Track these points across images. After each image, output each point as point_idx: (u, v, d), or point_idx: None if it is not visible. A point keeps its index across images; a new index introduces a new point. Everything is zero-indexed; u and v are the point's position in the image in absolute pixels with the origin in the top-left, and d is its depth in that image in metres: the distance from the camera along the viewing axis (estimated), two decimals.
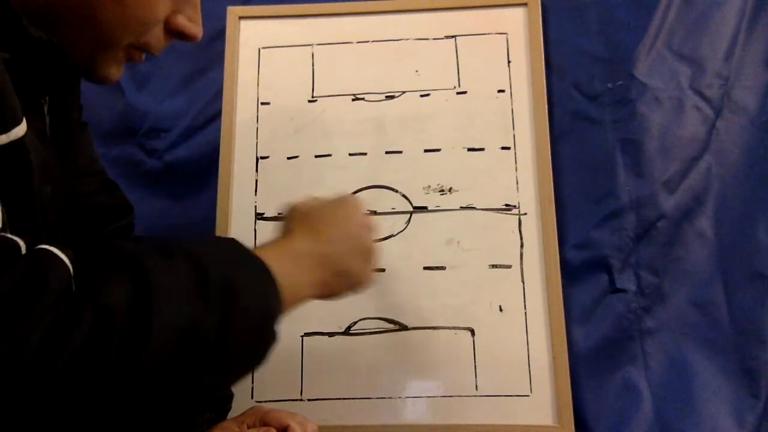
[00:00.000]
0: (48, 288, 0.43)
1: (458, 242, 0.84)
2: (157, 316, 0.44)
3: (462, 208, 0.85)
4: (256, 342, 0.51)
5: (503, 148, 0.87)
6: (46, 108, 0.58)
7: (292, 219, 0.62)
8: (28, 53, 0.51)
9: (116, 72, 0.57)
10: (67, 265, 0.46)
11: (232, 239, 0.55)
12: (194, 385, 0.48)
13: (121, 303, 0.44)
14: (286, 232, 0.61)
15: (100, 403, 0.43)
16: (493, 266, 0.83)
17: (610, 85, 0.90)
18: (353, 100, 0.91)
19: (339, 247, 0.60)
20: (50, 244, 0.47)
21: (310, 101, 0.91)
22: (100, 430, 0.45)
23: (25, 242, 0.45)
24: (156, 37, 0.56)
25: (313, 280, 0.58)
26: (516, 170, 0.86)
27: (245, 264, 0.51)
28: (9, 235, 0.45)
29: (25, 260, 0.44)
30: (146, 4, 0.53)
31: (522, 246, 0.84)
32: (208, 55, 0.98)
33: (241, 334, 0.48)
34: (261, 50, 0.93)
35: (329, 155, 0.89)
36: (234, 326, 0.47)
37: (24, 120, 0.48)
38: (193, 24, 0.57)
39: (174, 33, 0.57)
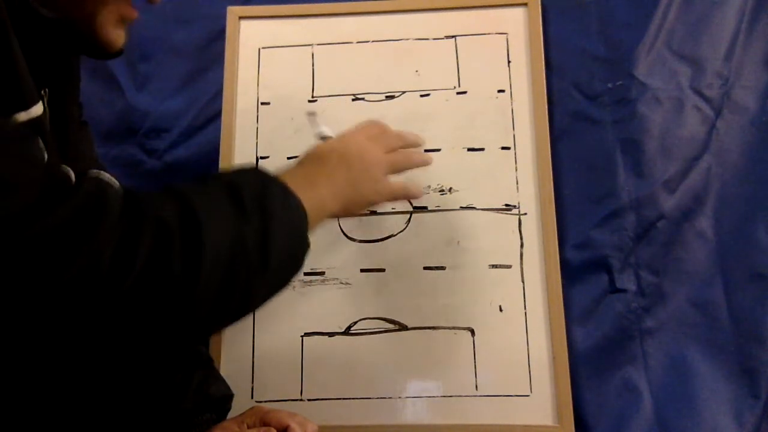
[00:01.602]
0: (110, 207, 0.45)
1: (458, 242, 0.84)
2: (205, 227, 0.47)
3: (462, 208, 0.85)
4: (293, 249, 0.55)
5: (503, 148, 0.87)
6: (46, 99, 0.58)
7: (299, 157, 0.67)
8: (34, 37, 0.51)
9: (117, 35, 0.57)
10: (119, 187, 0.49)
11: (253, 166, 0.58)
12: (245, 292, 0.51)
13: (173, 217, 0.47)
14: (294, 164, 0.66)
15: (171, 307, 0.46)
16: (493, 266, 0.83)
17: (610, 85, 0.90)
18: (353, 100, 0.91)
19: (344, 164, 0.65)
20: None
21: (310, 101, 0.91)
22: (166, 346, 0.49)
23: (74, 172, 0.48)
24: None
25: (329, 193, 0.62)
26: (516, 170, 0.86)
27: (269, 184, 0.55)
28: (60, 165, 0.48)
29: (84, 184, 0.47)
30: None
31: (522, 246, 0.84)
32: (208, 55, 0.98)
33: (279, 241, 0.52)
34: (261, 50, 0.93)
35: None
36: (272, 234, 0.51)
37: (40, 101, 0.49)
38: None
39: None
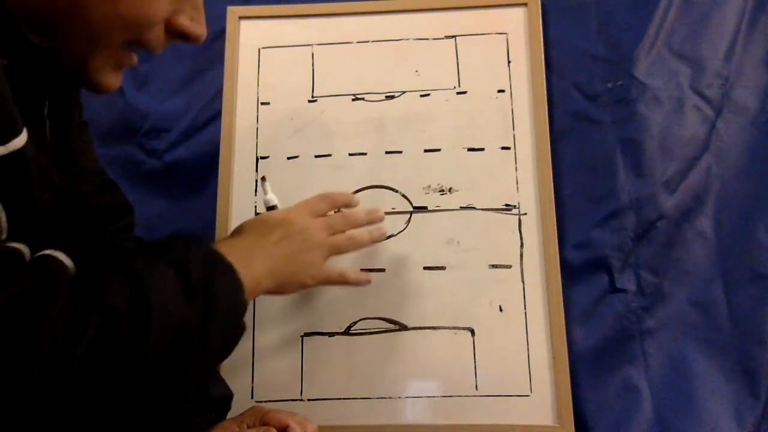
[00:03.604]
0: (58, 294, 0.45)
1: (458, 242, 0.84)
2: (154, 315, 0.47)
3: (462, 208, 0.85)
4: (230, 333, 0.56)
5: (503, 148, 0.87)
6: (46, 111, 0.58)
7: (242, 224, 0.68)
8: (27, 60, 0.50)
9: (111, 79, 0.56)
10: (71, 270, 0.48)
11: (198, 239, 0.59)
12: (184, 376, 0.51)
13: (122, 304, 0.46)
14: (235, 232, 0.67)
15: (108, 399, 0.46)
16: (493, 266, 0.83)
17: (610, 85, 0.90)
18: (353, 100, 0.91)
19: (285, 240, 0.65)
20: (51, 248, 0.48)
21: (310, 101, 0.91)
22: (104, 427, 0.48)
23: (29, 248, 0.47)
24: (156, 37, 0.55)
25: (266, 271, 0.62)
26: (516, 170, 0.86)
27: (214, 263, 0.55)
28: (13, 244, 0.47)
29: (33, 268, 0.46)
30: (140, 4, 0.52)
31: (522, 246, 0.84)
32: (208, 55, 0.98)
33: (219, 327, 0.53)
34: (261, 50, 0.93)
35: (329, 155, 0.89)
36: (213, 320, 0.52)
37: (24, 130, 0.48)
38: (195, 24, 0.57)
39: (175, 34, 0.56)
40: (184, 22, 0.56)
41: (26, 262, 0.47)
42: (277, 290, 0.66)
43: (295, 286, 0.68)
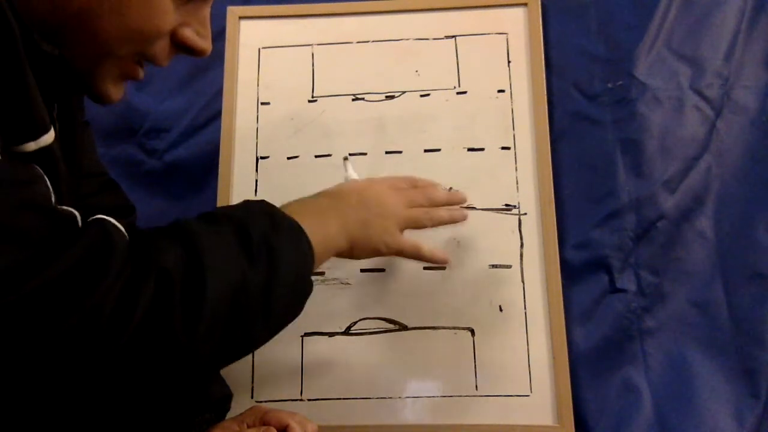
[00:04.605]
0: (115, 255, 0.45)
1: (458, 242, 0.84)
2: (210, 275, 0.47)
3: (462, 208, 0.85)
4: (296, 293, 0.56)
5: (503, 148, 0.87)
6: (55, 113, 0.58)
7: (321, 191, 0.68)
8: (39, 65, 0.51)
9: (114, 90, 0.56)
10: (124, 233, 0.48)
11: (263, 201, 0.58)
12: (246, 338, 0.52)
13: (177, 265, 0.47)
14: (313, 195, 0.66)
15: (167, 360, 0.46)
16: (493, 266, 0.83)
17: (610, 85, 0.90)
18: (353, 100, 0.91)
19: (361, 205, 0.65)
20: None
21: (310, 101, 0.91)
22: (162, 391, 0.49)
23: (79, 214, 0.48)
24: (162, 48, 0.56)
25: (339, 229, 0.62)
26: (516, 170, 0.86)
27: (279, 223, 0.55)
28: (66, 207, 0.48)
29: (90, 229, 0.47)
30: (148, 16, 0.52)
31: (522, 246, 0.84)
32: (208, 55, 0.98)
33: (283, 287, 0.52)
34: (261, 50, 0.93)
35: (329, 155, 0.89)
36: (277, 281, 0.51)
37: (52, 128, 0.49)
38: (200, 38, 0.58)
39: (180, 46, 0.58)
40: (190, 35, 0.57)
41: (82, 225, 0.48)
42: (350, 252, 0.65)
43: (368, 250, 0.67)
